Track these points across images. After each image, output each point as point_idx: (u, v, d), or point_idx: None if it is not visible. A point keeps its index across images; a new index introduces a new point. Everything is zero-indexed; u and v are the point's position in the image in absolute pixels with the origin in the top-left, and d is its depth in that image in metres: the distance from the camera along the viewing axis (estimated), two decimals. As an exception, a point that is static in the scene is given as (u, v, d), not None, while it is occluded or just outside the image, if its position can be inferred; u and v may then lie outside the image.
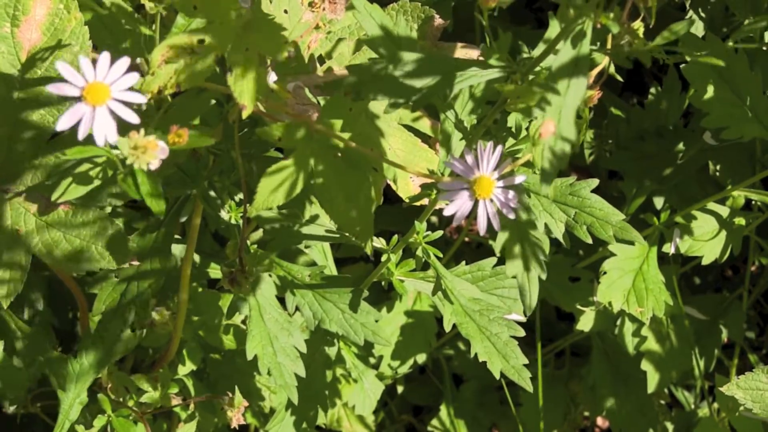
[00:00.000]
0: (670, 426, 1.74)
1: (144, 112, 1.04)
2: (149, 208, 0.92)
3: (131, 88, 0.86)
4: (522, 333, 1.19)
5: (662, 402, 1.75)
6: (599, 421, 1.93)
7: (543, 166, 0.83)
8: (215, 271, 1.33)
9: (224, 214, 1.20)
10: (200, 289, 1.33)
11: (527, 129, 1.06)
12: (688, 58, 1.38)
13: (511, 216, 0.90)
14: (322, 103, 1.16)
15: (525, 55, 0.96)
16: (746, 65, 1.39)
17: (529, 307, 1.05)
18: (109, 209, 1.10)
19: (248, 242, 1.20)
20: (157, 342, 1.29)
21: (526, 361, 1.19)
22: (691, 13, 1.50)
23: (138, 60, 1.03)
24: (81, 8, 1.06)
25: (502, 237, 1.04)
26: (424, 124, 1.24)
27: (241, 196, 1.16)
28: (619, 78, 1.25)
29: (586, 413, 1.82)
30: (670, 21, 1.63)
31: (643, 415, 1.70)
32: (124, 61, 0.86)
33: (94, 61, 0.85)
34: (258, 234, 1.30)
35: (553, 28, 0.90)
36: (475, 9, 1.60)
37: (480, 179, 0.89)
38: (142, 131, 0.86)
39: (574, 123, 0.81)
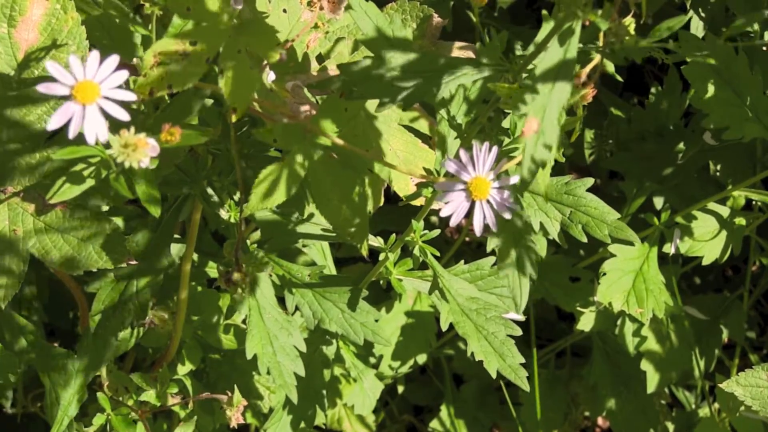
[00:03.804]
0: (670, 426, 1.74)
1: (142, 111, 1.04)
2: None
3: (122, 86, 0.85)
4: (519, 332, 1.19)
5: (663, 402, 1.75)
6: (600, 421, 1.92)
7: (525, 162, 0.83)
8: (214, 271, 1.33)
9: (223, 214, 1.20)
10: (200, 289, 1.33)
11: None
12: (688, 59, 1.38)
13: (507, 216, 0.89)
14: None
15: (519, 53, 0.95)
16: (746, 65, 1.38)
17: (520, 307, 1.05)
18: (106, 208, 1.10)
19: (248, 242, 1.20)
20: (157, 342, 1.29)
21: (523, 360, 1.18)
22: (691, 13, 1.49)
23: (135, 60, 1.03)
24: (77, 9, 1.06)
25: (494, 240, 1.03)
26: (422, 125, 1.24)
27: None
28: (620, 78, 1.24)
29: (587, 413, 1.82)
30: (670, 21, 1.62)
31: (644, 415, 1.69)
32: (113, 59, 0.85)
33: (83, 60, 0.85)
34: (258, 234, 1.31)
35: (546, 27, 0.89)
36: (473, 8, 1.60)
37: (476, 180, 0.89)
38: (132, 129, 0.86)
39: (558, 121, 0.81)
